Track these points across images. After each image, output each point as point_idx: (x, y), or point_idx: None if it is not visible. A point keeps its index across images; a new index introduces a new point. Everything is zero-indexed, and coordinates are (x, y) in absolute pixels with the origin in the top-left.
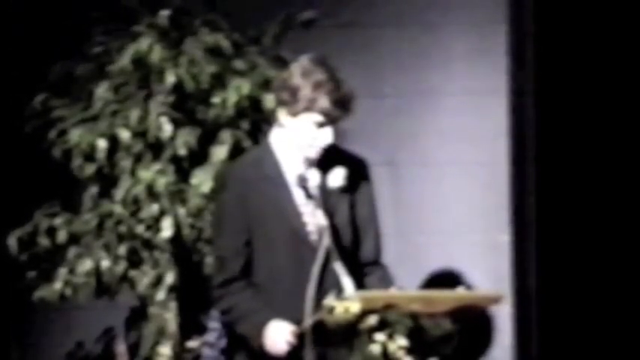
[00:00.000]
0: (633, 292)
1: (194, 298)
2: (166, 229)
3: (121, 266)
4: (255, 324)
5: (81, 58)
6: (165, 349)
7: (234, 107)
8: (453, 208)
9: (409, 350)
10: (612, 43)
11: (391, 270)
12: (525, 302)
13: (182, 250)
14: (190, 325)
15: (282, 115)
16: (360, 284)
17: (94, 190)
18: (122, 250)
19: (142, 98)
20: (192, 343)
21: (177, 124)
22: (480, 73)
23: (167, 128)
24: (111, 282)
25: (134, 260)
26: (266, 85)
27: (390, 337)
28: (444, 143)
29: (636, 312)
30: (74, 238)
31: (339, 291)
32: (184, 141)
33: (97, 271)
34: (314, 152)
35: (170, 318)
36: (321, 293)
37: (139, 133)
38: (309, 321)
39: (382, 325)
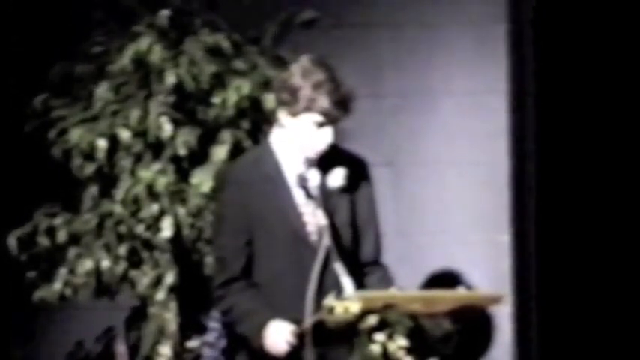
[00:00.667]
0: (633, 292)
1: (194, 298)
2: (166, 229)
3: (121, 266)
4: (255, 324)
5: (81, 58)
6: (165, 349)
7: (234, 107)
8: (453, 208)
9: (409, 350)
10: (612, 43)
11: (391, 270)
12: (525, 302)
13: (182, 250)
14: (190, 325)
15: (282, 116)
16: (360, 284)
17: (94, 190)
18: (122, 250)
19: (142, 98)
20: (192, 343)
21: (177, 124)
22: (479, 73)
23: (167, 128)
24: (111, 282)
25: (134, 260)
26: (266, 85)
27: (390, 337)
28: (444, 143)
29: (636, 312)
30: (74, 238)
31: (339, 291)
32: (184, 141)
33: (97, 271)
34: (314, 152)
35: (170, 318)
36: (321, 293)
37: (139, 133)
38: (309, 321)
39: (382, 325)
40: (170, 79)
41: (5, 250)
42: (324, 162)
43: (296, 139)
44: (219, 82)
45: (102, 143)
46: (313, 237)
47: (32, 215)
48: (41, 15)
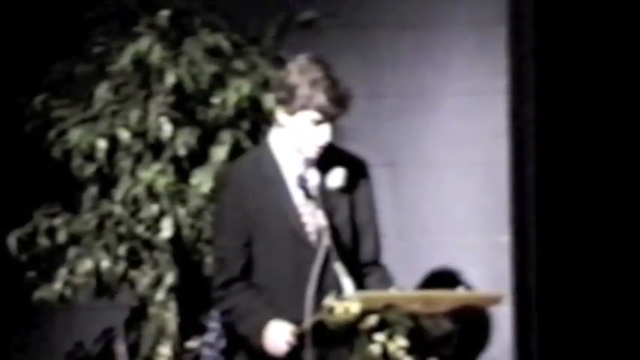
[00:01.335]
0: (633, 292)
1: (194, 298)
2: (166, 230)
3: (121, 266)
4: (255, 324)
5: (81, 58)
6: (165, 349)
7: (234, 107)
8: (453, 208)
9: (409, 350)
10: (613, 43)
11: (391, 270)
12: (525, 302)
13: (182, 250)
14: (190, 325)
15: (280, 114)
16: (359, 284)
17: (94, 190)
18: (122, 250)
19: (142, 98)
20: (192, 343)
21: (177, 124)
22: (479, 73)
23: (167, 128)
24: (111, 282)
25: (134, 260)
26: (266, 85)
27: (390, 337)
28: (444, 143)
29: (636, 312)
30: (74, 239)
31: (339, 291)
32: (184, 141)
33: (97, 271)
34: (313, 151)
35: (170, 318)
36: (321, 293)
37: (139, 133)
38: (309, 321)
39: (382, 325)
40: (170, 79)
41: (5, 250)
42: (324, 162)
43: (294, 138)
44: (219, 82)
45: (102, 143)
46: (313, 237)
47: (32, 215)
48: (41, 15)
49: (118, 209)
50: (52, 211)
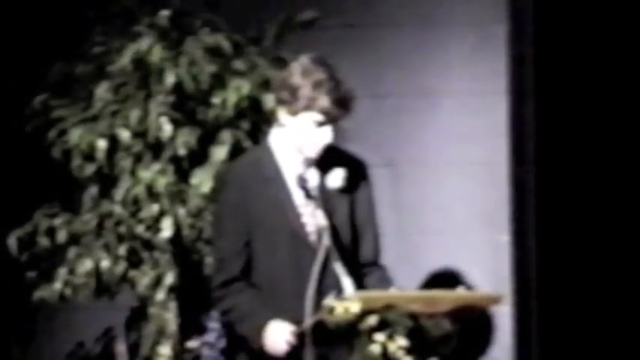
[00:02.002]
0: (633, 292)
1: (194, 298)
2: (166, 230)
3: (121, 266)
4: (255, 324)
5: (81, 58)
6: (165, 349)
7: (234, 107)
8: (453, 208)
9: (409, 350)
10: (612, 43)
11: (391, 270)
12: (525, 302)
13: (182, 250)
14: (190, 325)
15: (282, 115)
16: (359, 284)
17: (94, 190)
18: (122, 250)
19: (142, 98)
20: (192, 343)
21: (177, 124)
22: (479, 73)
23: (167, 128)
24: (111, 282)
25: (134, 260)
26: (266, 85)
27: (390, 337)
28: (444, 143)
29: (636, 312)
30: (74, 238)
31: (339, 291)
32: (184, 141)
33: (97, 271)
34: (314, 152)
35: (170, 318)
36: (321, 293)
37: (139, 133)
38: (309, 321)
39: (382, 325)
40: (170, 79)
41: (5, 250)
42: (324, 162)
43: (295, 139)
44: (219, 82)
45: (102, 143)
46: (312, 237)
47: (32, 215)
48: (41, 15)
49: (118, 209)
50: (52, 211)
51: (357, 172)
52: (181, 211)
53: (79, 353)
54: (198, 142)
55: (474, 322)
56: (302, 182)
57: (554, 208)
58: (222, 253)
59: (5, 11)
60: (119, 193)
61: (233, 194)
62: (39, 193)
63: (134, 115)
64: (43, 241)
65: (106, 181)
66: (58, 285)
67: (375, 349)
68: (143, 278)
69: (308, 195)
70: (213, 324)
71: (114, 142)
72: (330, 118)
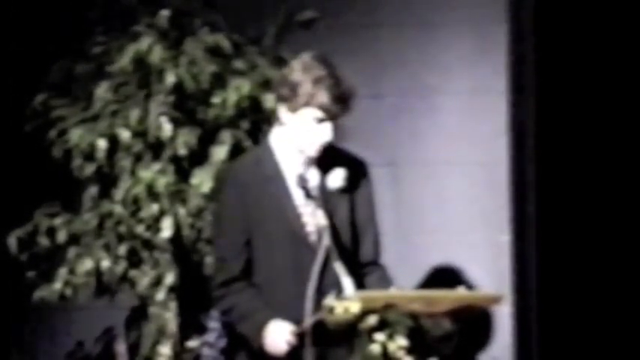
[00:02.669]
0: (633, 292)
1: (194, 298)
2: (166, 229)
3: (121, 266)
4: (255, 324)
5: (81, 58)
6: (166, 349)
7: (234, 107)
8: (453, 208)
9: (409, 350)
10: (612, 42)
11: (391, 270)
12: (525, 302)
13: (182, 250)
14: (190, 325)
15: (282, 112)
16: (359, 284)
17: (94, 190)
18: (122, 250)
19: (142, 98)
20: (192, 343)
21: (177, 124)
22: (479, 73)
23: (167, 128)
24: (111, 282)
25: (134, 260)
26: (266, 85)
27: (390, 337)
28: (444, 143)
29: (636, 311)
30: (74, 238)
31: (339, 291)
32: (184, 141)
33: (97, 271)
34: (313, 150)
35: (170, 318)
36: (321, 293)
37: (139, 133)
38: (309, 321)
39: (382, 325)
40: (170, 79)
41: (5, 250)
42: (324, 162)
43: (295, 136)
44: (219, 82)
45: (102, 143)
46: (313, 237)
47: (32, 215)
48: (41, 15)
49: (118, 209)
50: (52, 211)
51: (358, 172)
52: (181, 211)
53: (78, 353)
54: (199, 141)
55: (473, 322)
56: (302, 182)
57: (554, 207)
58: (223, 253)
59: (5, 11)
60: (119, 193)
61: (233, 194)
62: (39, 193)
63: (134, 114)
64: (43, 241)
65: (106, 181)
66: (58, 285)
67: (375, 348)
68: (143, 278)
69: (308, 195)
70: (214, 324)
71: (114, 142)
72: (330, 115)
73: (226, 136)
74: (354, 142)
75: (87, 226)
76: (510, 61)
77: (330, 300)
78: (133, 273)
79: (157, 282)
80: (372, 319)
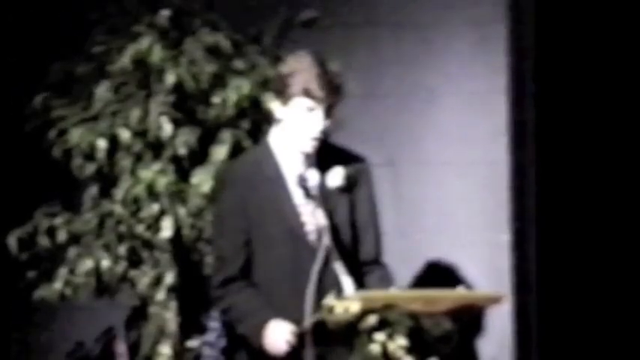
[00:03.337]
0: (633, 291)
1: (194, 298)
2: (166, 229)
3: (121, 266)
4: (255, 324)
5: (81, 58)
6: (165, 349)
7: (234, 107)
8: (453, 207)
9: (409, 350)
10: (612, 43)
11: (391, 269)
12: (525, 302)
13: (182, 250)
14: (190, 325)
15: (276, 107)
16: (360, 284)
17: (94, 190)
18: (122, 250)
19: (142, 98)
20: (192, 343)
21: (177, 123)
22: (479, 73)
23: (167, 128)
24: (111, 282)
25: (134, 260)
26: (266, 84)
27: (390, 337)
28: (444, 143)
29: (636, 311)
30: (74, 238)
31: (339, 291)
32: (184, 141)
33: (97, 271)
34: (309, 145)
35: (170, 318)
36: (321, 293)
37: (139, 133)
38: (309, 321)
39: (382, 325)
40: (170, 78)
41: (5, 250)
42: (324, 161)
43: (290, 130)
44: (219, 81)
45: (102, 143)
46: (312, 237)
47: (32, 215)
48: (41, 15)
49: (118, 209)
50: (52, 211)
51: (358, 171)
52: (181, 211)
53: (79, 353)
54: (199, 141)
55: (473, 322)
56: (302, 181)
57: (554, 207)
58: (222, 253)
59: (5, 11)
60: (119, 193)
61: (233, 194)
62: (39, 193)
63: (134, 114)
64: (43, 241)
65: (106, 180)
66: (58, 285)
67: (375, 348)
68: (143, 278)
69: (308, 194)
70: (214, 323)
71: (114, 141)
72: (319, 102)
73: (226, 136)
74: (354, 141)
75: (87, 226)
76: (510, 61)
77: (330, 300)
78: (132, 273)
79: (157, 282)
80: (372, 319)
